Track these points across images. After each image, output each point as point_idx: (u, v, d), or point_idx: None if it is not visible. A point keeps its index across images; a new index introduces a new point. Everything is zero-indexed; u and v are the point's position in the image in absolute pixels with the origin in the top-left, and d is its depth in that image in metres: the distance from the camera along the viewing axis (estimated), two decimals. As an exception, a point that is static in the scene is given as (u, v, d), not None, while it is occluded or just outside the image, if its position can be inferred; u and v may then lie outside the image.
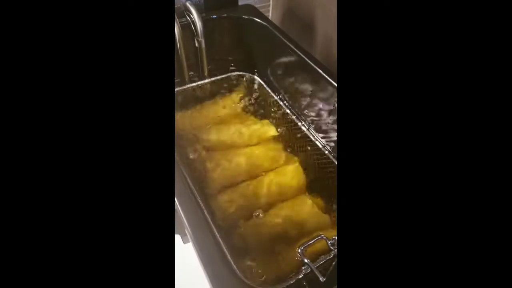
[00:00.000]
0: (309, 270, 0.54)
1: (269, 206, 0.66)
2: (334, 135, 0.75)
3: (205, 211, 0.62)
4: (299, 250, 0.57)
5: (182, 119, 0.83)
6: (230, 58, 0.96)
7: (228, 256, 0.55)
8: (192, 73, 0.91)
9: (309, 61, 0.74)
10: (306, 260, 0.54)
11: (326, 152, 0.78)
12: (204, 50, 0.87)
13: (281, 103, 0.90)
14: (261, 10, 0.91)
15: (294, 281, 0.53)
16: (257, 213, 0.65)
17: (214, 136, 0.79)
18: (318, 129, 0.81)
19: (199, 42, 0.86)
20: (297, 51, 0.77)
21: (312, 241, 0.58)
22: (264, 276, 0.56)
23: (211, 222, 0.61)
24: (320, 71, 0.72)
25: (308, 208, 0.62)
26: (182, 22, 0.82)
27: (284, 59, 0.84)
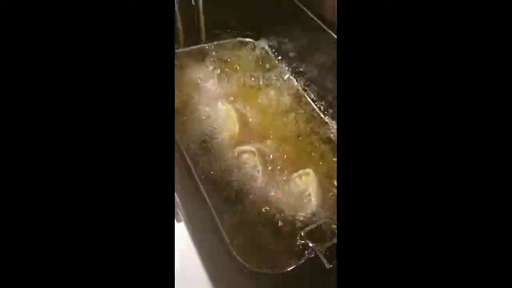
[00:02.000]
0: (312, 254, 0.49)
1: (272, 179, 0.60)
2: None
3: (200, 187, 0.57)
4: (303, 233, 0.52)
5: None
6: (231, 19, 0.87)
7: (224, 235, 0.51)
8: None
9: (321, 24, 0.67)
10: (310, 244, 0.50)
11: (334, 130, 0.71)
12: (201, 9, 0.80)
13: (288, 73, 0.82)
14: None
15: (294, 266, 0.49)
16: (259, 186, 0.59)
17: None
18: (327, 102, 0.74)
19: (196, 0, 0.79)
20: (308, 12, 0.70)
21: (316, 225, 0.53)
22: (263, 258, 0.51)
23: (205, 195, 0.55)
24: (334, 35, 0.65)
25: (313, 185, 0.57)
26: (177, -24, 0.73)
27: (293, 22, 0.77)
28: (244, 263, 0.47)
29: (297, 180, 0.59)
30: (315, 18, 0.69)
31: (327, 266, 0.46)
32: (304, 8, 0.71)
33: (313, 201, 0.56)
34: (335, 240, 0.49)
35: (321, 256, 0.47)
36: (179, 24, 0.81)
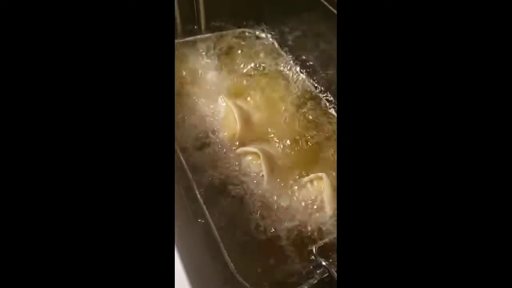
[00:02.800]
0: (326, 274, 0.45)
1: (279, 184, 0.55)
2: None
3: (196, 194, 0.52)
4: (315, 248, 0.48)
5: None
6: (232, 8, 0.83)
7: (223, 251, 0.46)
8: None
9: (332, 8, 0.62)
10: (324, 262, 0.46)
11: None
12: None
13: (295, 65, 0.77)
14: None
15: (306, 288, 0.44)
16: (264, 193, 0.54)
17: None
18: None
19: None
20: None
21: (330, 238, 0.48)
22: (268, 279, 0.46)
23: (201, 203, 0.51)
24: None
25: (327, 191, 0.52)
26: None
27: (302, 10, 0.72)
28: (247, 285, 0.43)
29: (308, 185, 0.54)
30: (323, 1, 0.64)
31: None
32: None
33: (327, 210, 0.51)
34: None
35: (335, 275, 0.43)
36: (176, 13, 0.77)
